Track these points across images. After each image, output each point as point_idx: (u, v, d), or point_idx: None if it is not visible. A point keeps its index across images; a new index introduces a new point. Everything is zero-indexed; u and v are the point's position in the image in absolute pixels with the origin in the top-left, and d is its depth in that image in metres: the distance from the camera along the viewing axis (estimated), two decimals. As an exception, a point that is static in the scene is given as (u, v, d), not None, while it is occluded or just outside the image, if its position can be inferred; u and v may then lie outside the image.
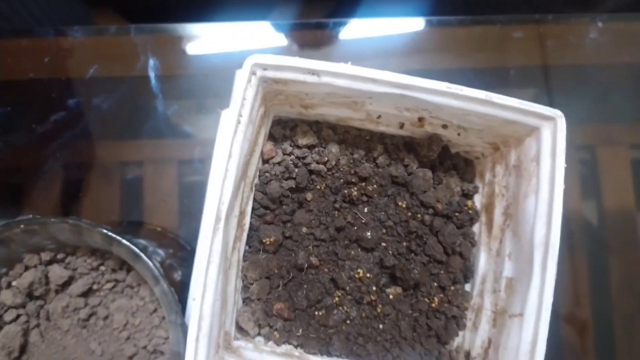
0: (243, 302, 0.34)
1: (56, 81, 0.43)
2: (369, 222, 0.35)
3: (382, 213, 0.35)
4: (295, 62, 0.28)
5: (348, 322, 0.35)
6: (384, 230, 0.35)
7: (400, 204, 0.35)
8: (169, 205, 0.43)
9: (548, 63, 0.47)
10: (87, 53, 0.44)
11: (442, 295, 0.35)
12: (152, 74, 0.44)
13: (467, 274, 0.35)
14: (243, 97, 0.28)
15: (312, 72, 0.28)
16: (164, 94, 0.45)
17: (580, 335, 0.42)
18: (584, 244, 0.44)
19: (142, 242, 0.41)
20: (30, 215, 0.32)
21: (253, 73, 0.28)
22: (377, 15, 0.55)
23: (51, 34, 0.44)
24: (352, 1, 0.60)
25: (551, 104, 0.45)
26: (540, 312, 0.28)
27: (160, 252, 0.41)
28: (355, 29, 0.46)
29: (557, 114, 0.29)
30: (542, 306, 0.28)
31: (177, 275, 0.40)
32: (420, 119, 0.33)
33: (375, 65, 0.45)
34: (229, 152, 0.27)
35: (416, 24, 0.46)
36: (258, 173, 0.35)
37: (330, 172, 0.35)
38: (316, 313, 0.35)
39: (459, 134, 0.34)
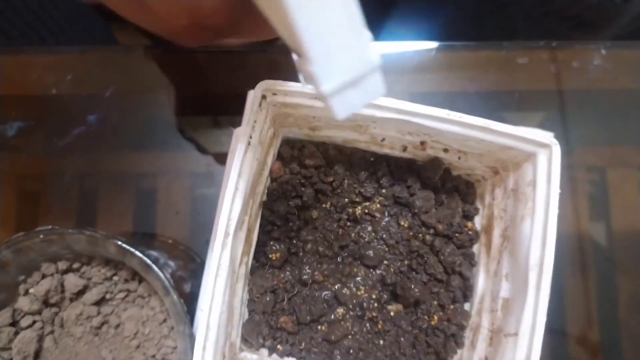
0: (249, 314, 0.36)
1: (77, 97, 0.45)
2: (372, 241, 0.37)
3: (385, 232, 0.37)
4: (303, 88, 0.30)
5: (350, 337, 0.36)
6: (386, 249, 0.37)
7: (402, 223, 0.37)
8: (181, 218, 0.44)
9: (553, 88, 0.48)
10: (108, 70, 0.46)
11: (441, 313, 0.36)
12: (168, 91, 0.46)
13: (467, 293, 0.36)
14: (254, 119, 0.30)
15: (319, 97, 0.30)
16: (180, 110, 0.46)
17: (589, 355, 0.43)
18: (593, 265, 0.44)
19: (154, 253, 0.42)
20: (50, 226, 0.34)
21: (263, 97, 0.30)
22: (386, 39, 0.57)
23: (74, 51, 0.46)
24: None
25: (561, 127, 0.46)
26: (533, 332, 0.28)
27: (171, 263, 0.42)
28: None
29: (552, 141, 0.30)
30: (536, 326, 0.28)
31: (187, 287, 0.41)
32: (422, 143, 0.34)
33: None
34: (239, 171, 0.29)
35: (422, 47, 0.47)
36: (266, 191, 0.36)
37: (335, 192, 0.37)
38: (319, 327, 0.36)
39: (459, 158, 0.35)
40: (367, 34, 0.19)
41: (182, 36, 0.28)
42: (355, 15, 0.18)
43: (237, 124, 0.44)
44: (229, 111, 0.46)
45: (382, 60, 0.20)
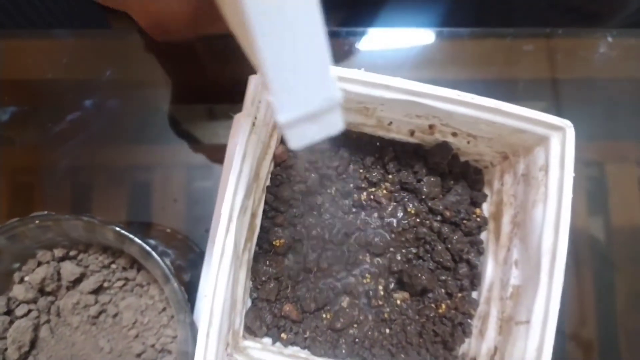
0: (252, 302, 0.35)
1: (73, 82, 0.44)
2: (378, 227, 0.36)
3: (391, 218, 0.36)
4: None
5: (355, 325, 0.35)
6: (393, 236, 0.36)
7: (409, 210, 0.36)
8: (177, 209, 0.44)
9: (557, 77, 0.47)
10: (103, 56, 0.45)
11: (449, 301, 0.35)
12: (164, 79, 0.45)
13: (474, 281, 0.35)
14: (258, 100, 0.29)
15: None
16: (176, 99, 0.45)
17: (585, 353, 0.42)
18: (590, 261, 0.43)
19: (152, 242, 0.42)
20: (45, 212, 0.33)
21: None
22: (389, 25, 0.56)
23: (70, 35, 0.45)
24: (365, 11, 0.61)
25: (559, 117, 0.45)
26: (546, 319, 0.28)
27: (170, 252, 0.41)
28: (368, 38, 0.47)
29: (566, 123, 0.29)
30: (549, 314, 0.28)
31: (186, 276, 0.41)
32: (431, 127, 0.34)
33: (386, 74, 0.46)
34: (243, 153, 0.28)
35: (427, 34, 0.47)
36: (270, 175, 0.35)
37: (340, 177, 0.36)
38: (324, 316, 0.35)
39: (468, 142, 0.34)
40: (332, 70, 0.19)
41: (148, 32, 0.29)
42: (321, 52, 0.18)
43: (235, 112, 0.43)
44: (225, 100, 0.45)
45: (342, 96, 0.20)
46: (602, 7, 0.53)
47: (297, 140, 0.20)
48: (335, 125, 0.20)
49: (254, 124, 0.28)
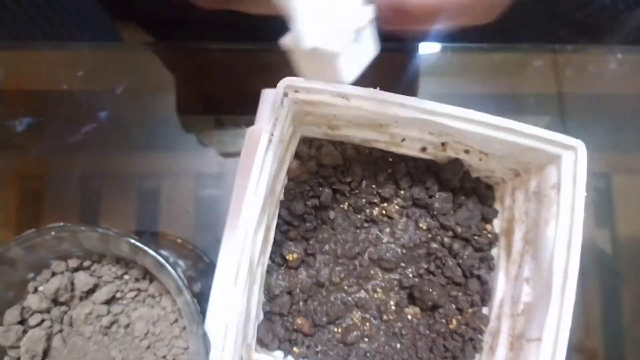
0: (264, 315, 0.35)
1: (88, 93, 0.45)
2: (389, 242, 0.36)
3: (403, 234, 0.36)
4: (326, 86, 0.29)
5: (366, 340, 0.35)
6: (404, 251, 0.36)
7: (420, 225, 0.36)
8: (185, 218, 0.44)
9: (566, 92, 0.47)
10: (119, 67, 0.45)
11: (459, 317, 0.35)
12: (175, 89, 0.46)
13: (485, 297, 0.36)
14: (275, 117, 0.29)
15: (342, 96, 0.29)
16: (185, 109, 0.46)
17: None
18: (596, 272, 0.43)
19: (165, 253, 0.42)
20: (61, 223, 0.33)
21: (285, 95, 0.30)
22: (396, 39, 0.56)
23: (85, 48, 0.46)
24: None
25: (566, 131, 0.46)
26: (557, 337, 0.28)
27: (181, 263, 0.41)
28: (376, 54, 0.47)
29: (578, 143, 0.30)
30: (560, 331, 0.28)
31: (196, 287, 0.41)
32: (443, 144, 0.34)
33: (396, 88, 0.46)
34: (260, 169, 0.28)
35: (437, 48, 0.47)
36: (283, 190, 0.36)
37: (353, 192, 0.36)
38: (335, 330, 0.35)
39: (480, 159, 0.35)
40: None
41: None
42: None
43: (242, 123, 0.43)
44: (233, 111, 0.45)
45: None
46: (599, 23, 0.53)
47: (350, 69, 0.21)
48: (372, 47, 0.22)
49: (270, 141, 0.29)
